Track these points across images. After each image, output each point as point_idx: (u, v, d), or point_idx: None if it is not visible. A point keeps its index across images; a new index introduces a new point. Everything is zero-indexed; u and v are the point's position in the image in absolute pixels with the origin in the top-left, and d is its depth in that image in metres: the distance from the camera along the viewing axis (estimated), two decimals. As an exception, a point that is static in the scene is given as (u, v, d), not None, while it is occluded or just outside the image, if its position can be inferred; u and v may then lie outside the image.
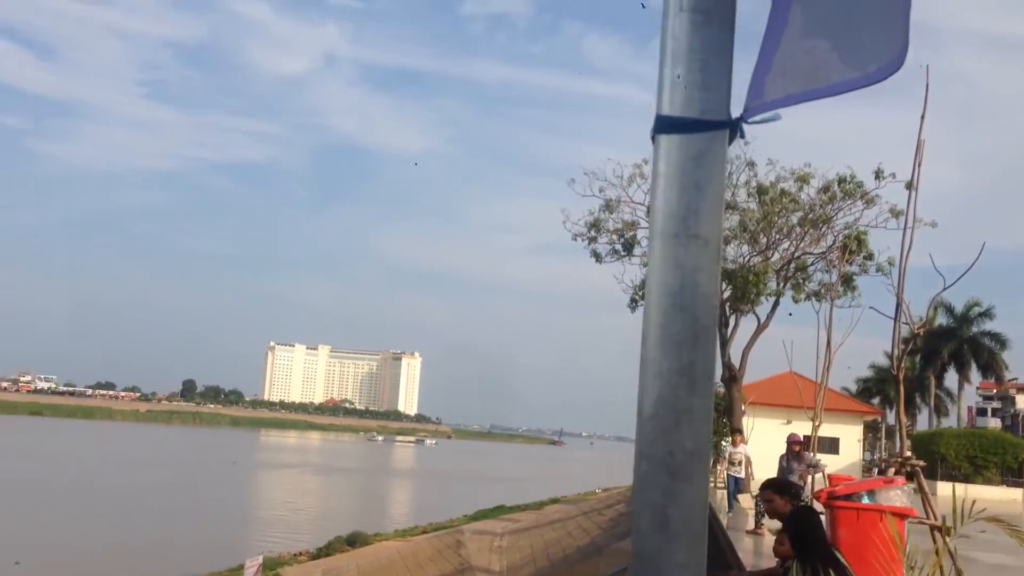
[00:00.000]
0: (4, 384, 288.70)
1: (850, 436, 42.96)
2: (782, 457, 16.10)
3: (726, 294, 28.08)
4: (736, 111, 1.69)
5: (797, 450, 15.82)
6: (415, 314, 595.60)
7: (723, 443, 33.76)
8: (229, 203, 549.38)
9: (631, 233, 28.40)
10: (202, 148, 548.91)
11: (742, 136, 1.69)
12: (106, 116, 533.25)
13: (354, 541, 47.30)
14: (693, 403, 1.59)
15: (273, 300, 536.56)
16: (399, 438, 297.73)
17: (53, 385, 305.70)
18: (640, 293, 29.31)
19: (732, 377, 28.12)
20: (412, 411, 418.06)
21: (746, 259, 28.07)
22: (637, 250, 28.56)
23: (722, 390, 30.31)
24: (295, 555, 47.72)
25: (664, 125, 1.67)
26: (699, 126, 1.65)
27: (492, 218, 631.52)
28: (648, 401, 1.60)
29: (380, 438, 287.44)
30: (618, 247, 28.51)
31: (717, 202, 1.65)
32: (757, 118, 1.68)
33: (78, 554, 48.61)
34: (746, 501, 20.08)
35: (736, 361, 28.52)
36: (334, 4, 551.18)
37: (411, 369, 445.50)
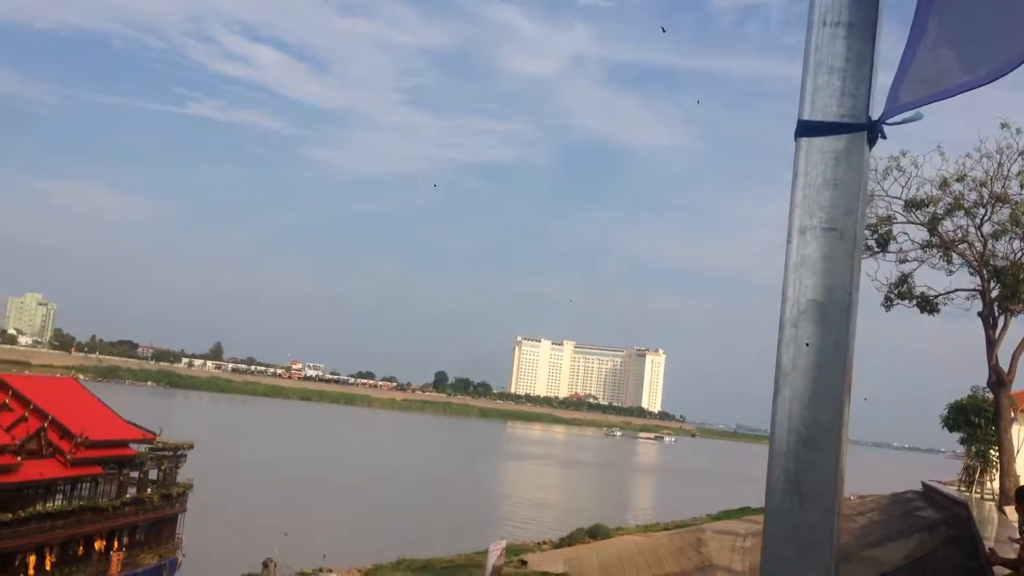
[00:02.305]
0: (278, 371, 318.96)
1: None
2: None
3: (994, 292, 25.95)
4: (875, 115, 1.84)
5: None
6: (662, 311, 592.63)
7: (992, 451, 31.11)
8: (481, 203, 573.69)
9: (886, 228, 26.91)
10: (455, 150, 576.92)
11: (883, 136, 1.85)
12: (370, 123, 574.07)
13: (596, 533, 48.37)
14: (824, 380, 1.77)
15: (522, 296, 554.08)
16: (642, 435, 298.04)
17: (320, 373, 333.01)
18: (896, 292, 27.73)
19: (1000, 382, 25.88)
20: (656, 408, 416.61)
21: (1017, 255, 25.72)
22: (892, 246, 27.05)
23: (990, 396, 28.03)
24: (539, 543, 49.52)
25: (805, 129, 1.86)
26: (838, 128, 1.83)
27: (742, 214, 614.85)
28: (784, 375, 1.80)
29: (619, 433, 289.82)
30: (871, 242, 27.07)
31: (854, 198, 1.82)
32: (897, 119, 1.83)
33: (340, 530, 53.23)
34: (1011, 513, 18.55)
35: (1005, 365, 26.20)
36: (583, 4, 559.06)
37: (655, 366, 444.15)
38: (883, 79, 1.86)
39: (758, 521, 41.79)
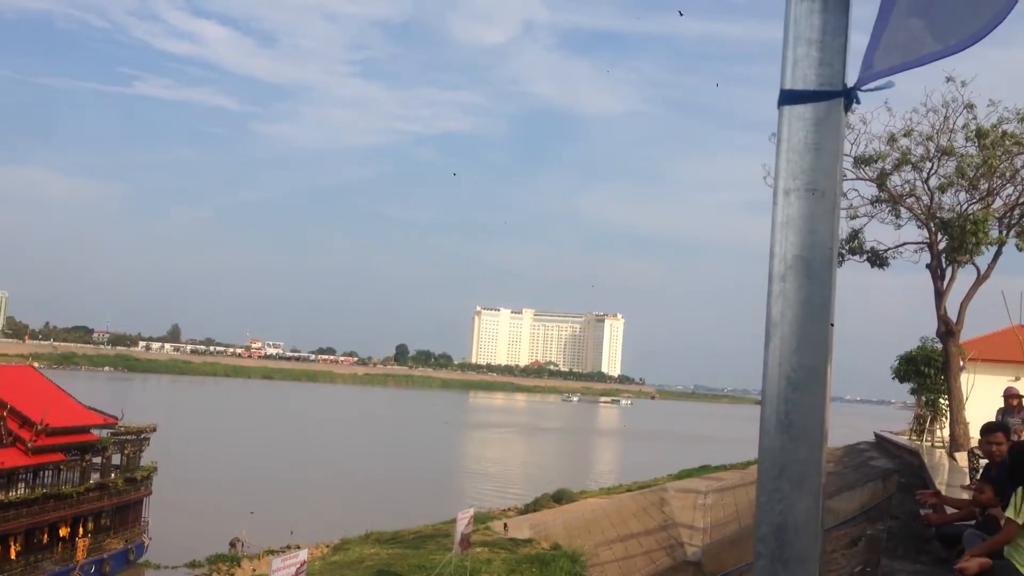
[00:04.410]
0: (238, 351, 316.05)
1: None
2: (999, 411, 15.41)
3: (941, 244, 26.56)
4: (851, 82, 1.99)
5: (1014, 404, 15.11)
6: (618, 276, 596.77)
7: (941, 400, 31.98)
8: (436, 174, 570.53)
9: (836, 185, 27.33)
10: (410, 122, 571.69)
11: (858, 102, 2.00)
12: (321, 97, 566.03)
13: (560, 498, 49.01)
14: (809, 331, 1.93)
15: (478, 266, 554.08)
16: (602, 399, 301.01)
17: (280, 351, 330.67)
18: (847, 247, 28.25)
19: (949, 332, 26.57)
20: (616, 372, 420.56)
21: (963, 207, 26.34)
22: (843, 203, 27.50)
23: (939, 346, 28.76)
24: (504, 510, 50.04)
25: (787, 97, 2.01)
26: (817, 96, 1.98)
27: (694, 177, 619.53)
28: (773, 326, 1.96)
29: (575, 399, 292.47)
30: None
31: (833, 161, 1.98)
32: (870, 86, 1.98)
33: (307, 507, 53.26)
34: (961, 460, 19.17)
35: (953, 315, 26.92)
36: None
37: (614, 331, 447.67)
38: (859, 46, 2.02)
39: (718, 479, 42.66)
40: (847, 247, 27.72)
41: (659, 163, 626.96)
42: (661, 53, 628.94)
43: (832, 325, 1.94)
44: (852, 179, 27.05)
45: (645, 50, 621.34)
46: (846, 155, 26.36)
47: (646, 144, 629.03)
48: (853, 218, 27.65)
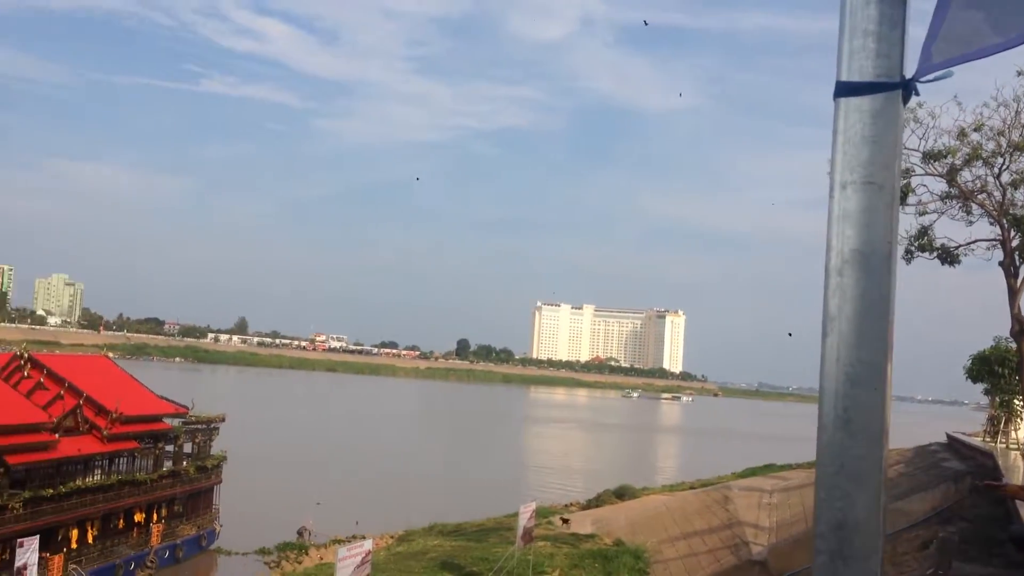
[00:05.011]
0: (303, 343, 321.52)
1: None
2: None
3: (1015, 242, 25.76)
4: (909, 74, 1.97)
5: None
6: (679, 272, 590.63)
7: (1016, 401, 31.04)
8: (495, 170, 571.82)
9: (904, 181, 26.70)
10: (467, 117, 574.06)
11: (917, 94, 1.98)
12: (380, 93, 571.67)
13: (622, 494, 48.85)
14: (867, 326, 1.92)
15: (538, 262, 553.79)
16: (663, 396, 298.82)
17: (343, 344, 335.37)
18: (916, 244, 27.58)
19: (1022, 331, 25.79)
20: (677, 369, 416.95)
21: (1039, 202, 25.49)
22: (911, 199, 26.84)
23: (1013, 345, 27.94)
24: (566, 505, 50.08)
25: (843, 89, 1.99)
26: (874, 88, 1.96)
27: (756, 172, 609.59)
28: (831, 320, 1.95)
29: (635, 394, 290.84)
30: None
31: (891, 153, 1.96)
32: (929, 77, 1.96)
33: (371, 498, 54.02)
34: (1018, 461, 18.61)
35: (1029, 314, 26.07)
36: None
37: (675, 327, 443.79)
38: (917, 36, 1.99)
39: (784, 478, 42.07)
40: (916, 244, 27.07)
41: (719, 158, 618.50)
42: (720, 48, 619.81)
43: (789, 335, 1.91)
44: (921, 174, 26.41)
45: (704, 45, 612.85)
46: (915, 150, 25.75)
47: (706, 139, 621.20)
48: (922, 214, 26.98)
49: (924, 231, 27.34)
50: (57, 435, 33.39)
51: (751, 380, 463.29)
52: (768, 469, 49.85)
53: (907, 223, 26.94)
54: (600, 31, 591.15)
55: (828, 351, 1.96)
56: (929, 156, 25.80)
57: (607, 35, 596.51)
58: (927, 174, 26.67)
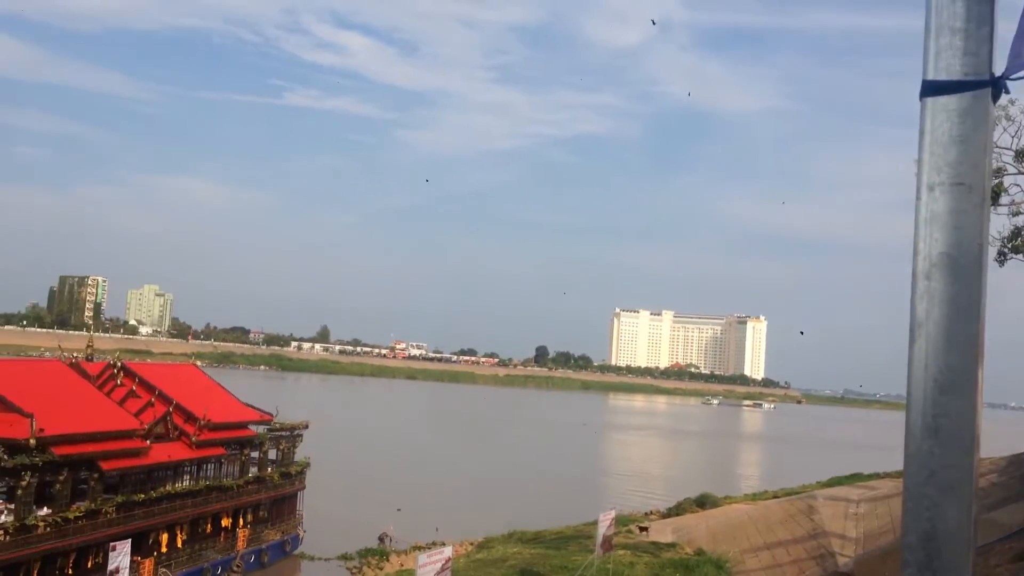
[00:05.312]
0: (383, 351, 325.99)
1: None
2: None
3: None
4: (998, 72, 1.91)
5: None
6: (760, 277, 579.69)
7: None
8: (573, 176, 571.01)
9: (996, 180, 25.75)
10: (546, 125, 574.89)
11: (1007, 91, 1.92)
12: (460, 103, 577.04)
13: (703, 502, 48.10)
14: (957, 331, 1.87)
15: (616, 268, 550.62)
16: (745, 403, 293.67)
17: (423, 352, 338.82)
18: (1010, 245, 26.59)
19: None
20: (759, 375, 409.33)
21: None
22: (1004, 199, 25.88)
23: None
24: (646, 513, 49.57)
25: (930, 89, 1.95)
26: (962, 87, 1.91)
27: (840, 175, 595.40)
28: (919, 326, 1.90)
29: (715, 401, 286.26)
30: (981, 195, 25.86)
31: (980, 153, 1.90)
32: (1020, 74, 1.90)
33: (451, 504, 54.42)
34: None
35: None
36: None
37: (756, 333, 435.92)
38: (1006, 33, 1.93)
39: (871, 487, 40.87)
40: (1009, 245, 26.09)
41: (800, 160, 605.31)
42: (800, 48, 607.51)
43: (801, 333, 1.86)
44: (1014, 173, 25.45)
45: (783, 45, 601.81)
46: (1008, 149, 24.86)
47: (786, 141, 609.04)
48: (1016, 214, 26.00)
49: (1018, 232, 26.31)
50: (148, 441, 34.54)
51: (836, 387, 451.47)
52: (854, 478, 48.47)
53: (999, 224, 25.99)
54: (677, 34, 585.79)
55: (916, 357, 1.91)
56: (1022, 154, 24.86)
57: (683, 38, 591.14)
58: (1020, 173, 25.69)
